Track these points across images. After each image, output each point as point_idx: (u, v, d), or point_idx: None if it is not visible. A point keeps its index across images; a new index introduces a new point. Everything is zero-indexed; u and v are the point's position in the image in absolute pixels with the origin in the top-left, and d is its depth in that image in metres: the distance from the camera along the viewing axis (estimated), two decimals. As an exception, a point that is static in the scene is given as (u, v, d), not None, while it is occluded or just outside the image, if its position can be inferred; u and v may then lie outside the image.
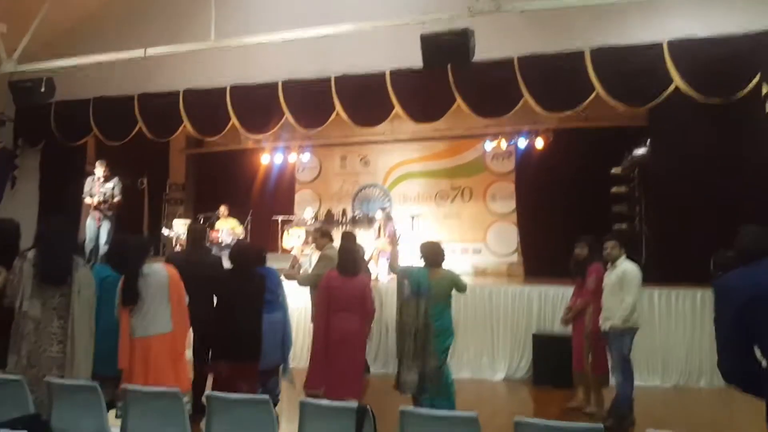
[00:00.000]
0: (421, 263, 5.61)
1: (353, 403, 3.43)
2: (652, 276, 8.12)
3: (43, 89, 8.28)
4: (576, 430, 2.90)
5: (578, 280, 6.16)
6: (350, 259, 5.57)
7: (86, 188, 9.17)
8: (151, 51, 7.94)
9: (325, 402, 3.55)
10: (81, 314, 4.22)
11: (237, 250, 5.57)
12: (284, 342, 5.89)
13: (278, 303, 5.89)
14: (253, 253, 5.73)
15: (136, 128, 9.74)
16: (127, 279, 4.53)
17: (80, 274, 4.30)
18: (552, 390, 6.60)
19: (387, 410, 3.66)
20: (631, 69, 7.60)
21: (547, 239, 6.95)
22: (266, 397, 3.58)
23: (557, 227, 7.29)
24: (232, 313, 5.13)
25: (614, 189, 9.75)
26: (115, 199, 9.21)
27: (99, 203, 9.03)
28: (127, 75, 9.19)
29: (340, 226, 11.51)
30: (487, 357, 7.60)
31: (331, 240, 6.86)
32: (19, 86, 8.44)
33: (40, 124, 10.32)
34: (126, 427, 3.50)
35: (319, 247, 6.86)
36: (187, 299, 4.77)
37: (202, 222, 10.53)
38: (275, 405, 5.66)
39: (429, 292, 5.33)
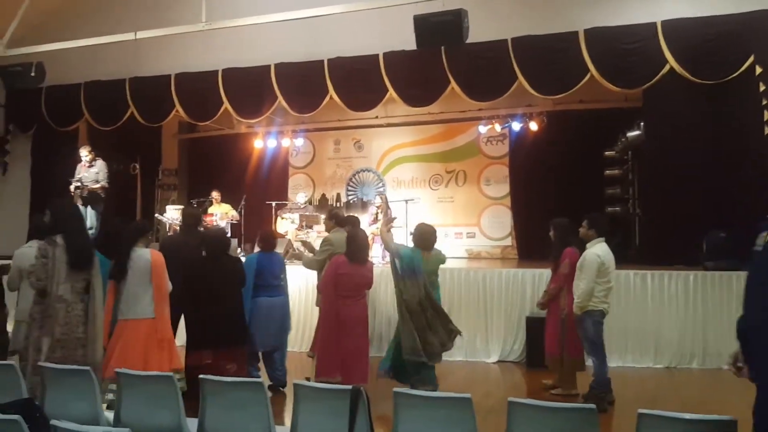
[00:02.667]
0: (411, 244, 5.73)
1: (346, 386, 3.44)
2: (646, 258, 8.19)
3: (33, 73, 8.24)
4: (569, 410, 2.91)
5: (553, 264, 6.17)
6: (361, 246, 5.56)
7: (77, 174, 9.16)
8: (142, 34, 7.88)
9: (318, 384, 3.55)
10: (99, 296, 4.29)
11: (209, 236, 5.60)
12: (283, 325, 5.97)
13: (281, 287, 5.96)
14: (225, 239, 5.81)
15: (128, 113, 9.69)
16: (118, 257, 4.63)
17: (96, 258, 4.37)
18: (546, 372, 6.61)
19: (379, 392, 3.68)
20: (625, 50, 7.59)
21: (541, 223, 6.93)
22: (260, 379, 3.59)
23: (551, 211, 7.28)
24: (212, 299, 5.16)
25: (608, 171, 9.75)
26: (99, 184, 9.19)
27: (77, 188, 9.02)
28: (118, 58, 9.12)
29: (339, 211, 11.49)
30: (480, 339, 7.61)
31: (340, 224, 6.84)
32: (8, 71, 8.39)
33: (30, 109, 10.26)
34: (119, 411, 3.50)
35: (327, 230, 6.89)
36: (170, 286, 4.80)
37: (195, 206, 10.52)
38: (283, 387, 5.77)
39: (423, 272, 5.45)
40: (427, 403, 3.19)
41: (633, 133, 9.13)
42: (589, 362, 5.85)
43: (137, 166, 11.74)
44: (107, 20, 8.89)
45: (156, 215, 11.00)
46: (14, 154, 10.94)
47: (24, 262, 4.78)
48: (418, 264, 5.48)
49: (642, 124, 8.94)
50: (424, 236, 5.70)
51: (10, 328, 5.39)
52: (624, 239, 9.20)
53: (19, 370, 3.71)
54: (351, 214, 8.37)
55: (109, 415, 3.63)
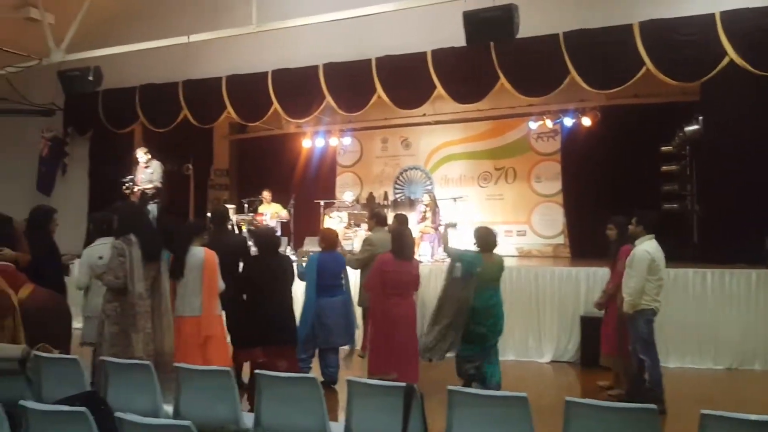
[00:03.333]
0: (473, 247, 5.74)
1: (400, 383, 3.42)
2: (705, 256, 7.91)
3: (90, 78, 8.45)
4: (628, 410, 2.82)
5: (611, 263, 6.06)
6: (406, 244, 5.57)
7: (135, 175, 9.46)
8: (195, 37, 8.02)
9: (372, 381, 3.54)
10: (166, 292, 4.41)
11: (260, 235, 5.66)
12: (349, 323, 6.01)
13: (341, 287, 6.00)
14: (275, 238, 5.88)
15: (181, 115, 9.89)
16: (176, 256, 4.75)
17: (164, 254, 4.48)
18: (601, 372, 6.47)
19: (433, 390, 3.65)
20: (682, 42, 7.34)
21: (595, 220, 6.77)
22: (313, 376, 3.60)
23: (605, 208, 7.08)
24: (263, 297, 5.22)
25: (664, 167, 9.44)
26: (153, 184, 9.43)
27: (127, 188, 9.32)
28: (171, 61, 9.32)
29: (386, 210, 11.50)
30: (533, 339, 7.50)
31: (381, 224, 6.86)
32: (67, 75, 8.62)
33: (88, 112, 10.58)
34: (178, 404, 3.57)
35: (369, 229, 6.91)
36: (222, 285, 4.87)
37: (246, 207, 10.70)
38: (334, 383, 5.82)
39: (479, 276, 5.51)
40: (482, 402, 3.14)
41: (691, 128, 8.82)
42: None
43: (190, 167, 12.00)
44: (161, 25, 9.09)
45: (208, 214, 11.20)
46: (73, 156, 11.33)
47: (94, 260, 4.92)
48: (475, 267, 5.52)
49: (700, 118, 8.64)
50: (487, 238, 5.72)
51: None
52: (682, 237, 8.92)
53: (81, 364, 3.82)
54: (399, 212, 8.35)
55: (168, 408, 3.71)
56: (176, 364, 3.74)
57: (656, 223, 5.64)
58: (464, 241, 6.31)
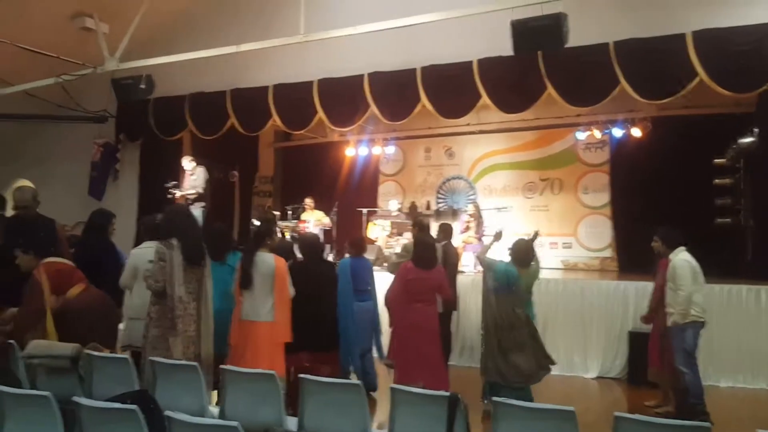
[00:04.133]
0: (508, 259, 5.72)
1: (445, 392, 3.39)
2: (759, 272, 7.63)
3: (143, 86, 8.65)
4: (680, 428, 2.73)
5: (654, 276, 6.00)
6: (426, 251, 5.55)
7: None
8: (244, 47, 8.14)
9: (417, 389, 3.51)
10: (209, 296, 4.47)
11: (305, 241, 5.68)
12: (376, 328, 6.00)
13: (369, 292, 6.02)
14: (320, 244, 5.90)
15: (229, 123, 10.04)
16: (243, 264, 4.78)
17: (207, 258, 4.53)
18: (649, 390, 6.29)
19: (477, 401, 3.60)
20: (738, 52, 7.11)
21: (644, 233, 6.57)
22: (358, 381, 3.59)
23: (655, 221, 6.87)
24: (309, 302, 5.24)
25: (717, 180, 9.15)
26: (195, 190, 9.65)
27: (183, 196, 9.52)
28: (220, 70, 9.49)
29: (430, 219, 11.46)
30: (578, 354, 7.35)
31: (423, 232, 6.84)
32: (120, 83, 8.84)
33: (139, 119, 10.82)
34: (224, 406, 3.60)
35: (413, 237, 6.93)
36: (292, 292, 4.91)
37: (290, 214, 10.82)
38: (374, 390, 5.82)
39: (518, 287, 5.47)
40: (528, 415, 3.08)
41: (746, 140, 8.54)
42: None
43: (236, 174, 12.20)
44: (211, 35, 9.26)
45: (252, 221, 11.38)
46: (124, 162, 11.62)
47: (140, 262, 5.03)
48: (514, 279, 5.45)
49: (756, 130, 8.36)
50: (521, 253, 5.69)
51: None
52: (735, 252, 8.65)
53: (130, 363, 3.90)
54: (444, 222, 8.30)
55: (214, 409, 3.75)
56: (222, 366, 3.78)
57: (679, 240, 5.61)
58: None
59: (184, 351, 4.35)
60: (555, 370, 7.05)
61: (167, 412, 2.75)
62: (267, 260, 4.87)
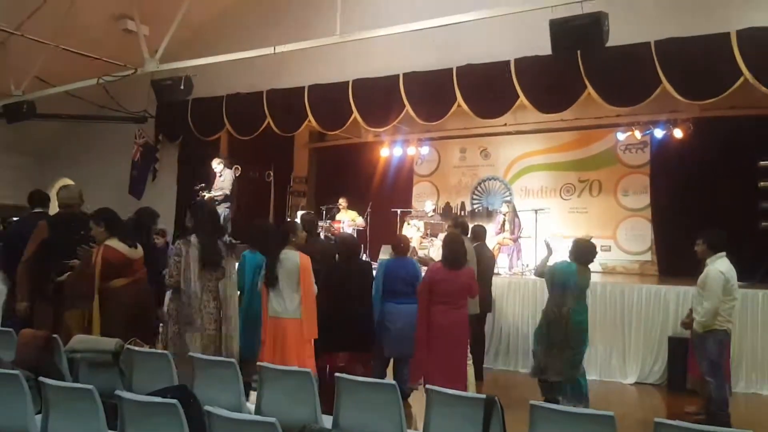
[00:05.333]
0: (567, 258, 5.67)
1: (481, 394, 3.36)
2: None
3: (182, 87, 8.73)
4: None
5: None
6: (455, 252, 5.48)
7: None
8: (281, 48, 8.19)
9: (452, 391, 3.48)
10: (232, 296, 4.49)
11: (343, 241, 5.68)
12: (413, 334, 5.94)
13: (409, 294, 5.93)
14: (357, 243, 5.87)
15: (265, 123, 10.13)
16: (267, 263, 4.79)
17: (232, 259, 4.56)
18: (688, 397, 6.15)
19: (513, 404, 3.57)
20: (785, 51, 6.89)
21: (685, 237, 6.40)
22: (393, 382, 3.58)
23: (697, 224, 6.68)
24: (345, 302, 5.23)
25: (762, 183, 8.88)
26: (222, 192, 9.92)
27: (211, 197, 9.77)
28: (257, 71, 9.58)
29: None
30: (617, 358, 7.22)
31: (463, 232, 6.79)
32: (160, 84, 8.96)
33: (178, 120, 11.01)
34: (260, 402, 3.63)
35: None
36: (315, 289, 4.92)
37: (324, 214, 10.88)
38: (408, 396, 5.78)
39: (576, 287, 5.47)
40: (565, 419, 3.03)
41: (793, 141, 8.29)
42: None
43: (271, 174, 12.33)
44: (249, 36, 9.36)
45: (287, 220, 11.47)
46: (163, 162, 11.85)
47: None
48: (569, 278, 5.45)
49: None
50: (583, 250, 5.63)
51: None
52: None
53: (170, 359, 3.95)
54: (478, 223, 8.24)
55: (250, 405, 3.79)
56: (259, 363, 3.81)
57: (724, 242, 5.45)
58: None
59: (204, 349, 4.36)
60: (593, 374, 7.02)
61: (206, 407, 2.77)
62: (292, 257, 4.89)
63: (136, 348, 4.01)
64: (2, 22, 8.81)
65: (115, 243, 4.63)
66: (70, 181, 11.54)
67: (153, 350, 4.11)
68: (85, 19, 9.59)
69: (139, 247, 4.78)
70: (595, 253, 5.70)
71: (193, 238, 4.53)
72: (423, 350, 5.31)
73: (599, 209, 11.00)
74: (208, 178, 10.48)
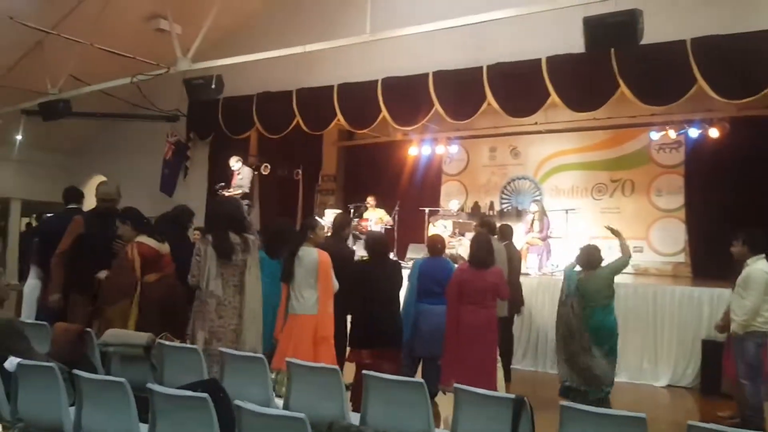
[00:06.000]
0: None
1: (510, 394, 3.33)
2: None
3: (213, 86, 8.84)
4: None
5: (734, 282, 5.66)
6: (482, 251, 5.44)
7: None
8: (311, 47, 8.22)
9: (481, 390, 3.45)
10: (251, 289, 4.51)
11: (372, 239, 5.67)
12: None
13: (443, 295, 5.92)
14: (387, 242, 5.86)
15: (294, 122, 10.18)
16: (284, 259, 4.83)
17: (254, 252, 4.59)
18: (722, 401, 6.01)
19: (542, 405, 3.54)
20: (829, 48, 6.70)
21: (720, 239, 6.25)
22: (421, 380, 3.56)
23: (732, 226, 6.51)
24: (373, 300, 5.23)
25: (800, 184, 8.68)
26: (241, 190, 10.10)
27: (230, 195, 9.84)
28: (286, 70, 9.64)
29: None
30: (648, 361, 7.11)
31: (489, 232, 6.74)
32: (192, 83, 9.08)
33: (209, 118, 11.13)
34: (288, 398, 3.64)
35: None
36: (336, 285, 4.93)
37: (352, 212, 10.89)
38: (434, 396, 5.77)
39: (580, 294, 5.47)
40: (596, 420, 2.99)
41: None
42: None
43: (300, 172, 12.40)
44: (279, 36, 9.40)
45: (314, 217, 11.51)
46: (194, 160, 12.00)
47: None
48: (573, 288, 5.49)
49: None
50: (586, 257, 5.65)
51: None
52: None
53: (200, 354, 4.00)
54: (505, 222, 8.17)
55: (278, 401, 3.81)
56: (287, 359, 3.82)
57: (764, 243, 5.31)
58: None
59: (207, 345, 4.36)
60: (624, 377, 6.93)
61: (236, 402, 2.79)
62: (311, 254, 4.89)
63: (167, 342, 4.06)
64: (39, 22, 8.99)
65: (145, 239, 4.70)
66: (103, 178, 11.78)
67: (183, 345, 4.15)
68: (119, 19, 9.75)
69: (166, 243, 4.84)
70: (600, 257, 5.66)
71: (210, 236, 4.57)
72: (453, 351, 5.30)
73: (632, 209, 10.81)
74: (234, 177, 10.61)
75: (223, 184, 10.35)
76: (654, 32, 6.43)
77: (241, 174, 10.40)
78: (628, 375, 7.03)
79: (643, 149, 10.80)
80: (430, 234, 8.62)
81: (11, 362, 3.41)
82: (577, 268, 5.78)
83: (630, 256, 5.77)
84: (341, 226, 6.31)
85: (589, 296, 5.47)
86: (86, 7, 9.44)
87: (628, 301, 7.09)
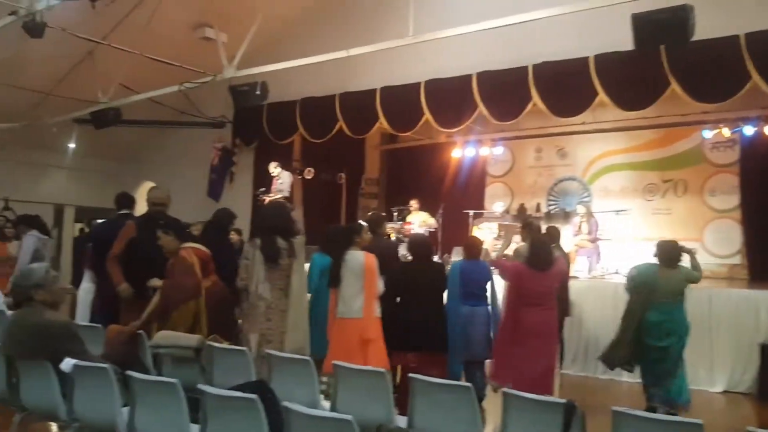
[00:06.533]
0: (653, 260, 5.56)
1: (560, 399, 3.25)
2: None
3: (258, 92, 8.96)
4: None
5: None
6: (541, 253, 5.36)
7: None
8: (354, 51, 8.25)
9: (530, 395, 3.38)
10: (296, 293, 4.54)
11: (415, 242, 5.64)
12: (488, 337, 5.88)
13: (484, 297, 5.88)
14: (430, 245, 5.82)
15: (337, 126, 10.24)
16: (332, 264, 4.86)
17: (301, 256, 4.62)
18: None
19: (593, 411, 3.45)
20: None
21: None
22: (469, 384, 3.51)
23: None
24: (417, 303, 5.19)
25: None
26: (282, 194, 10.17)
27: (271, 200, 9.99)
28: (329, 75, 9.69)
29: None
30: (703, 366, 6.86)
31: (533, 233, 6.66)
32: (237, 90, 9.21)
33: (254, 124, 11.29)
34: (335, 400, 3.64)
35: (522, 240, 6.75)
36: (381, 288, 4.92)
37: (395, 215, 10.89)
38: (481, 400, 5.71)
39: (657, 291, 5.39)
40: (650, 425, 2.89)
41: None
42: None
43: (343, 176, 12.46)
44: (321, 40, 9.50)
45: (359, 222, 11.54)
46: (240, 165, 12.19)
47: None
48: (650, 283, 5.40)
49: None
50: (668, 252, 5.52)
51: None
52: None
53: (249, 356, 4.03)
54: (552, 224, 8.03)
55: (325, 403, 3.81)
56: (335, 362, 3.82)
57: None
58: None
59: (258, 348, 4.39)
60: (678, 383, 6.69)
61: (285, 403, 2.80)
62: (357, 257, 4.90)
63: (217, 344, 4.11)
64: (90, 34, 9.27)
65: (191, 244, 4.78)
66: (153, 184, 12.07)
67: (232, 347, 4.20)
68: (167, 29, 9.97)
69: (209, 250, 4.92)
70: (680, 253, 5.55)
71: (259, 240, 4.62)
72: (508, 352, 5.25)
73: (684, 210, 10.53)
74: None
75: (263, 189, 10.49)
76: (705, 28, 6.24)
77: (281, 179, 10.52)
78: (683, 381, 6.81)
79: (695, 148, 10.51)
80: (471, 237, 8.53)
81: (67, 363, 3.50)
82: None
83: (701, 275, 5.70)
84: (377, 223, 6.33)
85: (666, 292, 5.43)
86: (135, 17, 9.69)
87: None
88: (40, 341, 3.56)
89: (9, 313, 4.61)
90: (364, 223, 6.56)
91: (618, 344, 5.55)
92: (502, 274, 5.64)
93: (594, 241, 9.27)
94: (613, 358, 5.61)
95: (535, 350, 5.14)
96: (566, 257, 7.51)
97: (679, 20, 5.89)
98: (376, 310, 4.94)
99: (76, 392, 3.49)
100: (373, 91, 9.81)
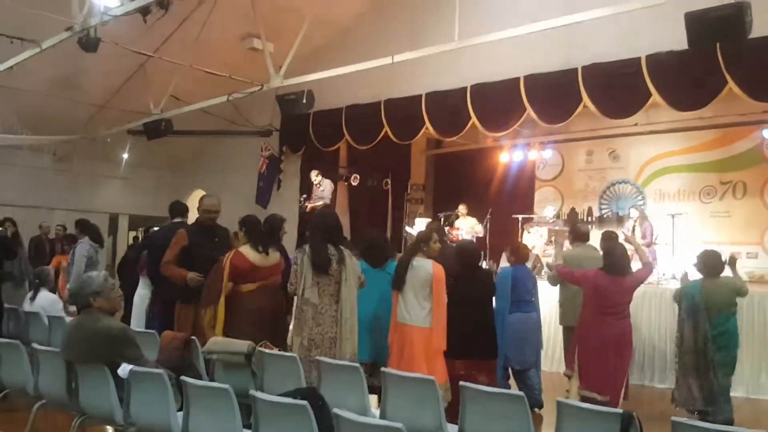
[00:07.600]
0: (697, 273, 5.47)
1: (617, 409, 3.16)
2: None
3: (304, 101, 9.08)
4: None
5: None
6: (617, 258, 5.28)
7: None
8: (398, 57, 8.25)
9: (585, 405, 3.30)
10: (347, 299, 4.53)
11: (463, 249, 5.58)
12: (537, 342, 5.79)
13: (533, 303, 5.81)
14: (478, 251, 5.76)
15: (382, 132, 10.26)
16: (397, 267, 4.85)
17: (349, 263, 4.62)
18: None
19: (650, 420, 3.34)
20: None
21: None
22: (521, 393, 3.45)
23: None
24: (465, 310, 5.13)
25: None
26: (322, 201, 10.33)
27: (312, 207, 10.21)
28: (374, 82, 9.71)
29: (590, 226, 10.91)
30: (766, 375, 6.58)
31: (579, 239, 6.53)
32: (284, 99, 9.34)
33: (300, 132, 11.43)
34: (385, 408, 3.62)
35: (570, 244, 6.64)
36: (445, 300, 4.88)
37: (442, 220, 10.82)
38: (540, 407, 5.61)
39: (705, 306, 5.25)
40: (710, 437, 2.77)
41: None
42: None
43: (389, 182, 12.47)
44: (366, 47, 9.52)
45: (405, 228, 11.54)
46: (287, 172, 12.34)
47: None
48: (698, 300, 5.26)
49: None
50: (708, 263, 5.38)
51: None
52: None
53: (298, 362, 4.05)
54: (608, 229, 7.84)
55: (375, 410, 3.79)
56: (383, 369, 3.80)
57: None
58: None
59: (305, 352, 4.38)
60: (740, 392, 6.47)
61: (335, 410, 2.80)
62: (425, 266, 4.85)
63: (267, 350, 4.14)
64: (142, 47, 9.55)
65: (245, 249, 4.82)
66: (203, 192, 12.32)
67: (282, 353, 4.22)
68: (215, 41, 10.19)
69: (273, 255, 4.94)
70: (722, 263, 5.40)
71: (308, 247, 4.64)
72: (594, 360, 5.22)
73: (744, 213, 10.15)
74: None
75: (305, 196, 10.64)
76: (763, 24, 6.00)
77: (322, 186, 10.69)
78: (745, 389, 6.55)
79: (755, 148, 10.13)
80: (513, 241, 8.43)
81: (124, 369, 3.58)
82: (696, 275, 5.54)
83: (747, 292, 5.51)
84: (441, 232, 6.31)
85: (715, 305, 5.29)
86: (184, 31, 9.94)
87: (743, 310, 6.57)
88: (98, 347, 3.67)
89: (68, 319, 4.75)
90: (409, 230, 6.57)
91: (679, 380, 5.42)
92: (574, 281, 5.56)
93: (649, 245, 9.01)
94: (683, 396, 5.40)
95: (608, 362, 5.13)
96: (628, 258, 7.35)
97: (734, 18, 5.68)
98: (445, 321, 4.88)
99: (132, 397, 3.57)
100: (419, 96, 9.79)
